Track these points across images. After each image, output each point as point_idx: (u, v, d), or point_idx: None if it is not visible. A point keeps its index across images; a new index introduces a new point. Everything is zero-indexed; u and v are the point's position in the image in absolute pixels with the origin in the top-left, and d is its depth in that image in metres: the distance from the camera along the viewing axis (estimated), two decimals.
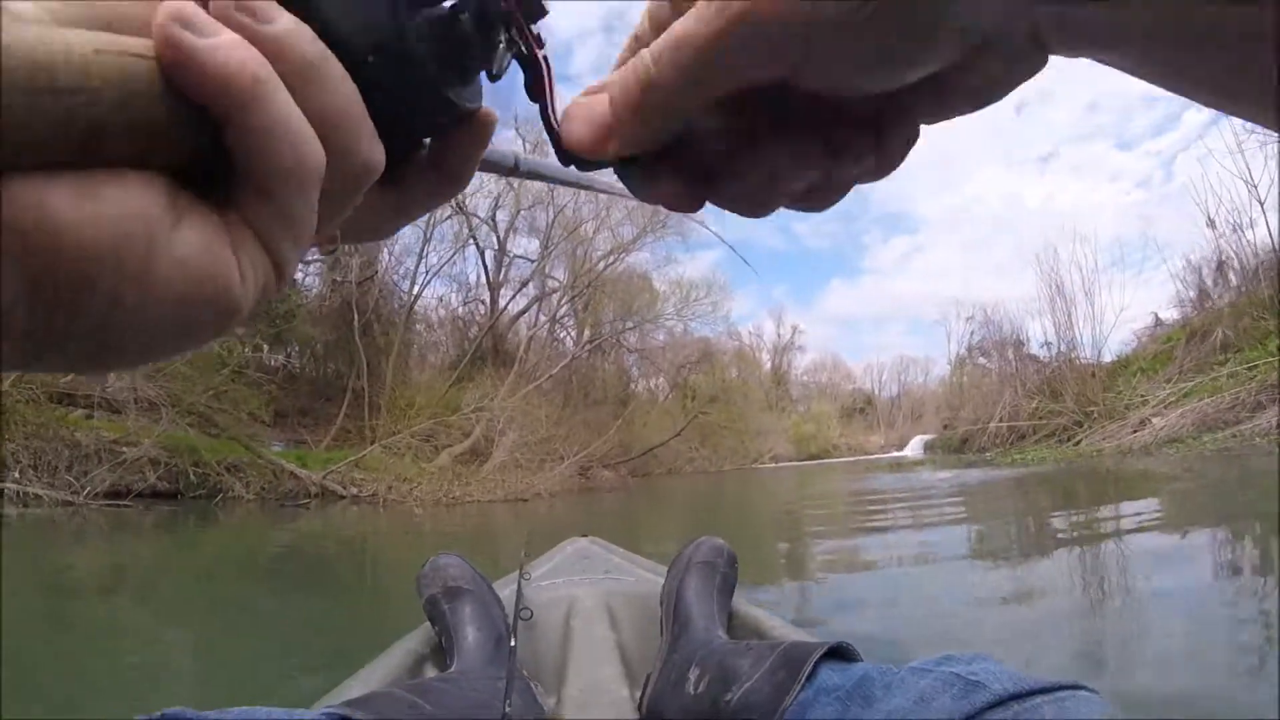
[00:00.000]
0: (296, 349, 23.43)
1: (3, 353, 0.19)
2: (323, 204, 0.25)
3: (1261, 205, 17.53)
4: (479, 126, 0.33)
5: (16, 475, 11.28)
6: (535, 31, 0.32)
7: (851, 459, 41.21)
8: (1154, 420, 15.04)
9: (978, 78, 0.28)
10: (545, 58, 0.32)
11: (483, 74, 0.32)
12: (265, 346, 21.46)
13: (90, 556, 6.94)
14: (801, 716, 0.78)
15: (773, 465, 36.75)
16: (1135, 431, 15.14)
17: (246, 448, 14.29)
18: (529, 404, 19.59)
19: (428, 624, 1.35)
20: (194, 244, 0.22)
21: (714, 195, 0.31)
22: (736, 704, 0.89)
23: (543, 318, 26.73)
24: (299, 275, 22.59)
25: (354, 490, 14.16)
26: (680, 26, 0.25)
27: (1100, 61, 0.27)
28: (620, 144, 0.29)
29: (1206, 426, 13.32)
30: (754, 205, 0.31)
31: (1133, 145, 72.86)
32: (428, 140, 0.34)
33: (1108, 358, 21.36)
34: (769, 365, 50.83)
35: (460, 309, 26.52)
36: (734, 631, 1.31)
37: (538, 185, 24.95)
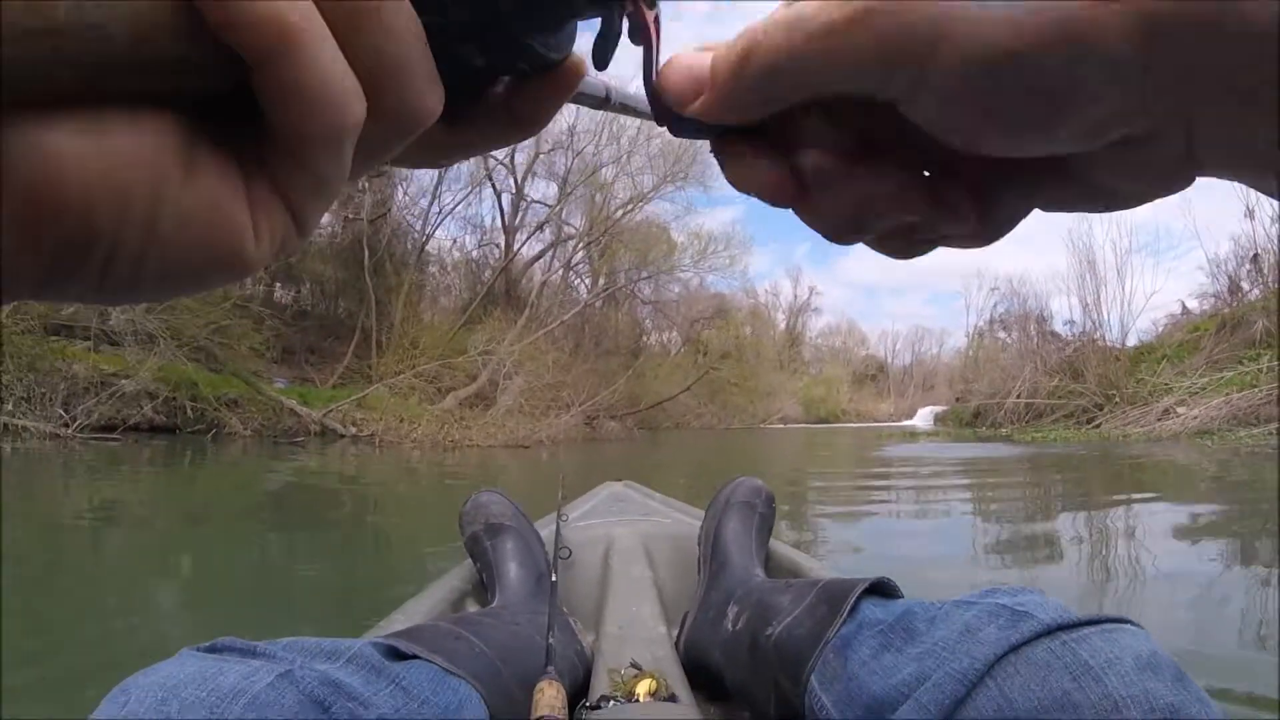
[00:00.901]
0: (307, 286, 23.01)
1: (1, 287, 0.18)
2: (360, 150, 0.22)
3: None
4: (564, 76, 0.29)
5: (9, 407, 10.88)
6: None
7: (860, 425, 40.81)
8: (1179, 409, 14.40)
9: (1114, 178, 0.25)
10: (657, 16, 0.29)
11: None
12: (275, 283, 21.03)
13: (84, 492, 6.70)
14: (843, 650, 0.75)
15: (781, 426, 36.25)
16: (1161, 419, 14.51)
17: (246, 383, 13.85)
18: (537, 350, 19.05)
19: (469, 560, 1.34)
20: (205, 198, 0.20)
21: (802, 203, 0.29)
22: (777, 639, 0.87)
23: (557, 264, 26.10)
24: None
25: (353, 430, 13.72)
26: (803, 6, 0.23)
27: (1256, 187, 0.24)
28: (712, 104, 0.26)
29: (1239, 420, 12.68)
30: (838, 227, 0.29)
31: None
32: (504, 78, 0.29)
33: (1131, 342, 20.65)
34: (783, 325, 50.09)
35: (475, 252, 25.97)
36: (771, 572, 1.27)
37: (557, 128, 24.27)
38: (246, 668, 0.59)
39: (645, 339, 30.44)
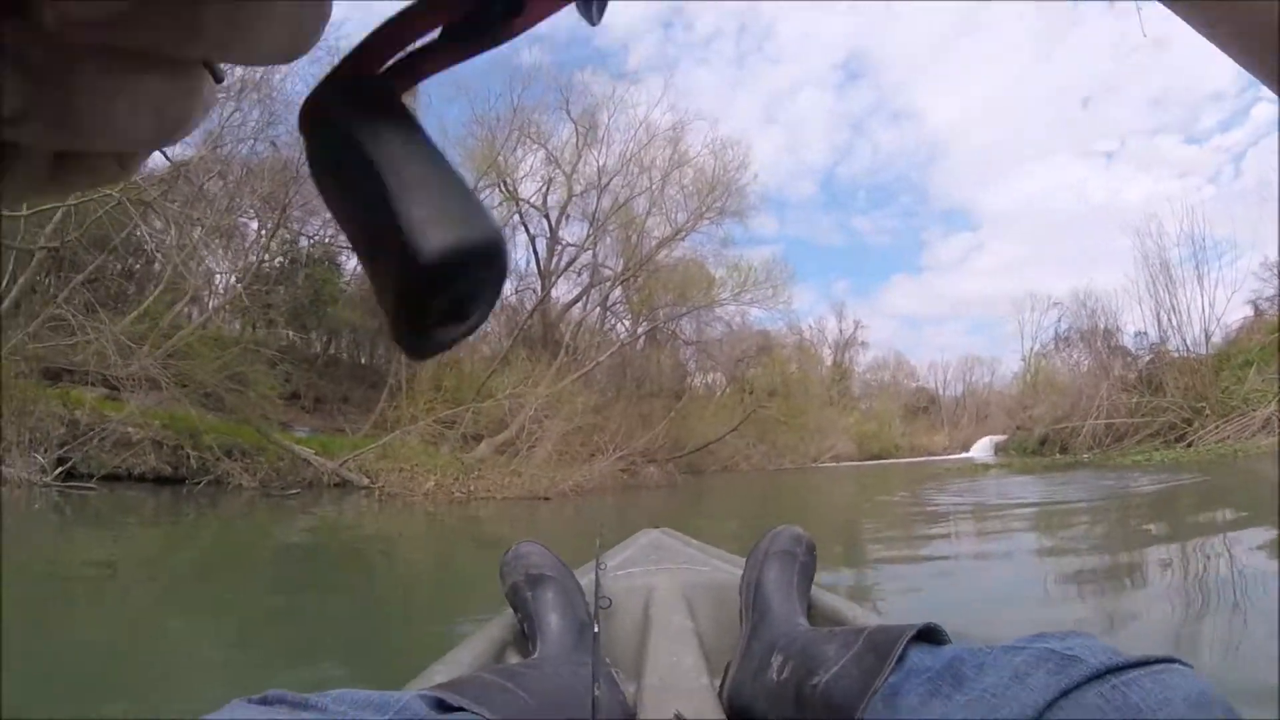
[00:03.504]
0: (342, 336, 22.18)
1: None
2: None
3: None
4: None
5: None
6: None
7: (915, 460, 38.88)
8: None
9: None
10: None
11: None
12: (289, 330, 20.11)
13: (83, 543, 6.72)
14: (892, 699, 0.72)
15: (833, 464, 34.45)
16: (1262, 430, 12.46)
17: (257, 431, 12.56)
18: (569, 393, 17.50)
19: (510, 610, 1.29)
20: None
21: None
22: (824, 688, 0.83)
23: (595, 305, 24.72)
24: (340, 259, 21.11)
25: (365, 480, 12.34)
26: None
27: None
28: None
29: None
30: None
31: (1201, 140, 67.53)
32: None
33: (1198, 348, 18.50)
34: (830, 361, 47.83)
35: (512, 297, 24.63)
36: (814, 620, 1.21)
37: (589, 171, 23.13)
38: None
39: (689, 380, 28.85)
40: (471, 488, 12.25)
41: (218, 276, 17.96)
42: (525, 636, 1.24)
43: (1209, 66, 50.28)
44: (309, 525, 8.87)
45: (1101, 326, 22.31)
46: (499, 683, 0.83)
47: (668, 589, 1.42)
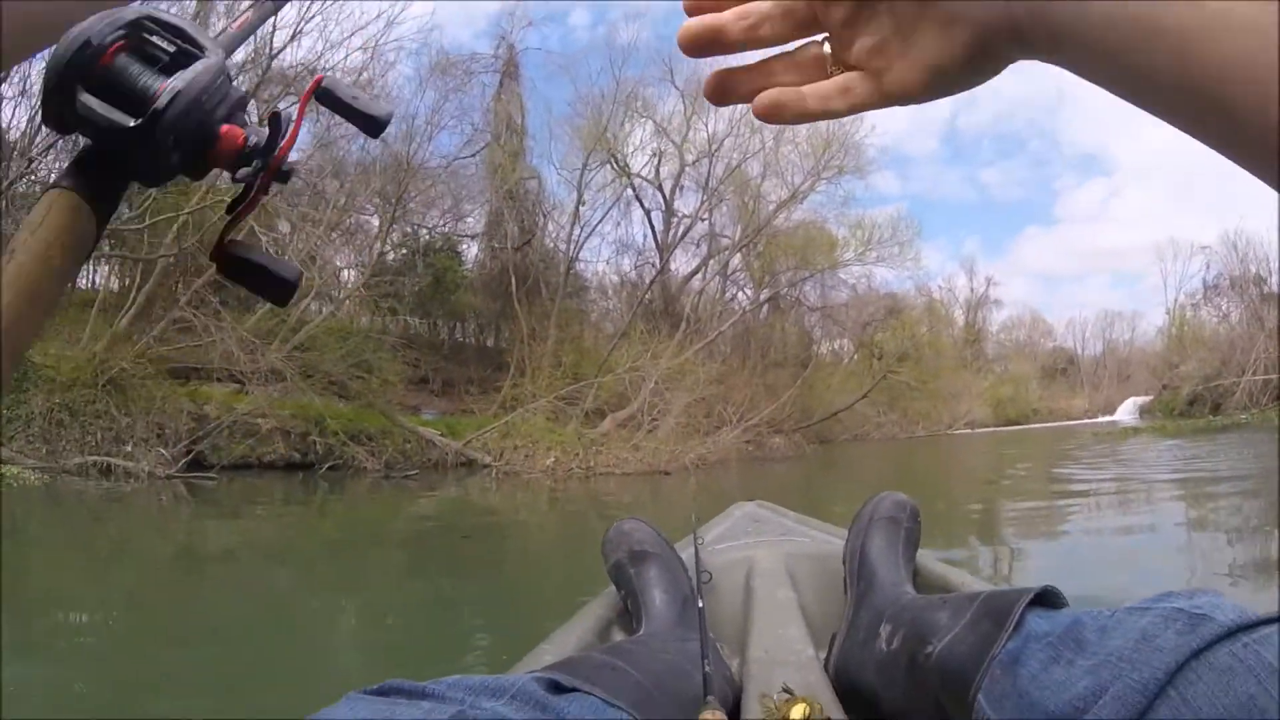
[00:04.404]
0: (468, 320, 22.38)
1: None
2: None
3: None
4: None
5: (129, 449, 10.24)
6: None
7: (1055, 424, 36.59)
8: None
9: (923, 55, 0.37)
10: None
11: None
12: (413, 317, 20.36)
13: (220, 530, 6.74)
14: (1011, 666, 0.69)
15: (968, 431, 32.79)
16: None
17: (383, 414, 12.58)
18: (690, 365, 16.90)
19: (612, 588, 1.28)
20: None
21: None
22: (938, 657, 0.80)
23: (715, 277, 23.97)
24: (460, 247, 21.24)
25: (487, 459, 12.13)
26: None
27: (1069, 68, 0.33)
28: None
29: None
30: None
31: None
32: None
33: None
34: (962, 322, 45.29)
35: (632, 273, 24.25)
36: (920, 588, 1.17)
37: (700, 139, 22.36)
38: (418, 710, 0.59)
39: (815, 347, 27.78)
40: (591, 463, 11.88)
41: (344, 272, 18.32)
42: (630, 613, 1.22)
43: None
44: (429, 505, 8.78)
45: (1254, 272, 20.05)
46: (610, 661, 0.82)
47: (768, 561, 1.38)
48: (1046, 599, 0.75)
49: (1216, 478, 7.60)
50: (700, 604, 1.06)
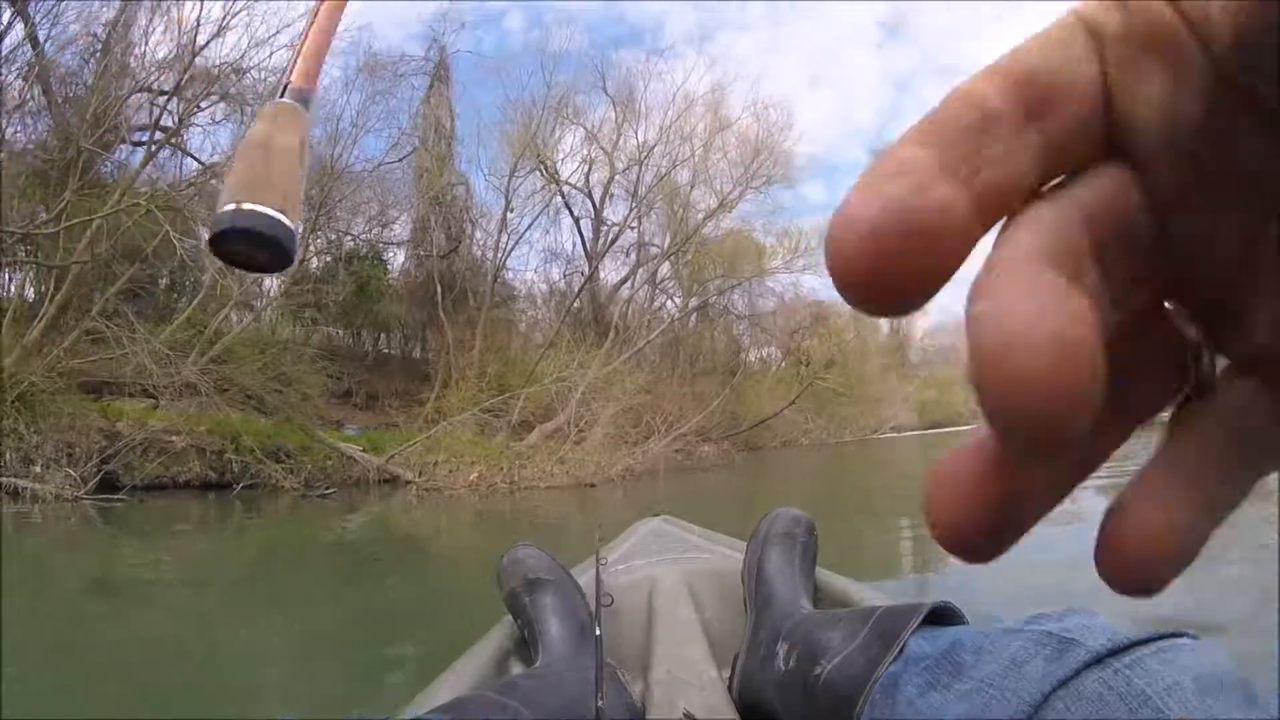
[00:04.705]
0: (393, 331, 21.87)
1: None
2: None
3: None
4: None
5: (38, 469, 9.59)
6: None
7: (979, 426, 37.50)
8: None
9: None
10: None
11: None
12: (336, 327, 19.83)
13: (116, 557, 6.49)
14: (891, 690, 0.69)
15: (894, 434, 33.41)
16: None
17: (302, 430, 12.13)
18: (617, 374, 16.76)
19: (509, 618, 1.26)
20: None
21: None
22: (826, 679, 0.80)
23: (644, 285, 23.90)
24: (388, 254, 20.79)
25: (408, 475, 11.81)
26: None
27: None
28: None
29: None
30: None
31: None
32: None
33: None
34: (886, 329, 46.24)
35: (561, 282, 24.03)
36: (820, 603, 1.20)
37: (630, 146, 22.29)
38: None
39: (743, 355, 27.95)
40: (515, 477, 11.62)
41: (267, 280, 17.71)
42: (527, 644, 1.20)
43: None
44: (347, 525, 8.55)
45: None
46: (499, 701, 0.82)
47: (670, 580, 1.37)
48: (940, 615, 0.73)
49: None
50: (598, 632, 1.02)
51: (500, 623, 1.27)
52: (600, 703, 0.83)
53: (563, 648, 1.10)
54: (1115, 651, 0.52)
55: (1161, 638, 0.53)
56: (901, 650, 0.70)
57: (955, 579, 3.86)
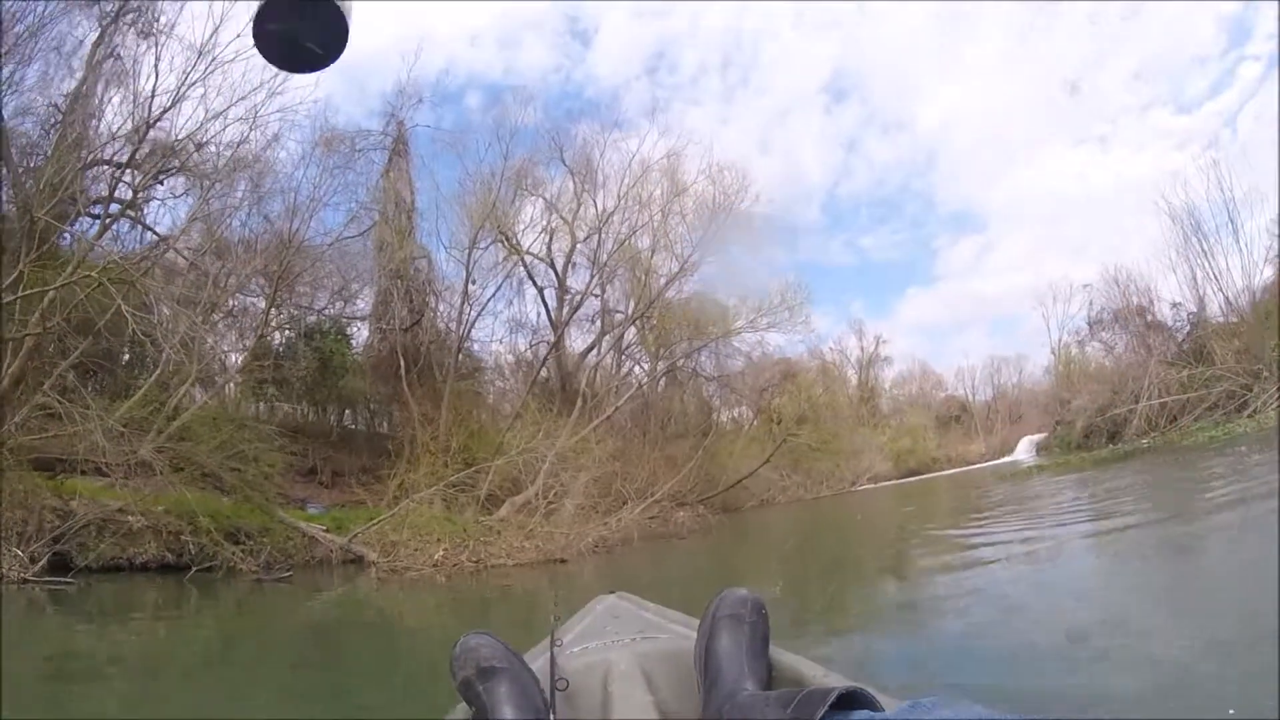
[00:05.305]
0: (357, 406, 21.44)
1: None
2: None
3: None
4: None
5: None
6: None
7: (956, 470, 37.49)
8: None
9: None
10: None
11: None
12: (296, 404, 19.39)
13: (65, 641, 6.24)
14: None
15: (871, 485, 33.19)
16: None
17: (262, 510, 11.66)
18: (586, 443, 16.41)
19: (464, 704, 1.25)
20: None
21: None
22: None
23: (611, 353, 23.69)
24: (350, 329, 20.54)
25: (373, 555, 11.34)
26: None
27: None
28: None
29: None
30: None
31: (1192, 109, 64.62)
32: None
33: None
34: (855, 381, 46.27)
35: (528, 353, 23.73)
36: (775, 682, 1.22)
37: (590, 215, 22.28)
38: None
39: (714, 416, 27.70)
40: (481, 555, 11.18)
41: (232, 356, 17.32)
42: None
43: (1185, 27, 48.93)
44: (307, 607, 8.40)
45: (1135, 303, 21.04)
46: None
47: (626, 663, 1.34)
48: (853, 699, 0.75)
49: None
50: (552, 718, 1.01)
51: (454, 709, 1.27)
52: None
53: None
54: None
55: None
56: None
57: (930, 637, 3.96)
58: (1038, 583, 4.92)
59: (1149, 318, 20.28)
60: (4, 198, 12.56)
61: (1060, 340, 31.69)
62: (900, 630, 4.54)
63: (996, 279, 76.03)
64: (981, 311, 79.75)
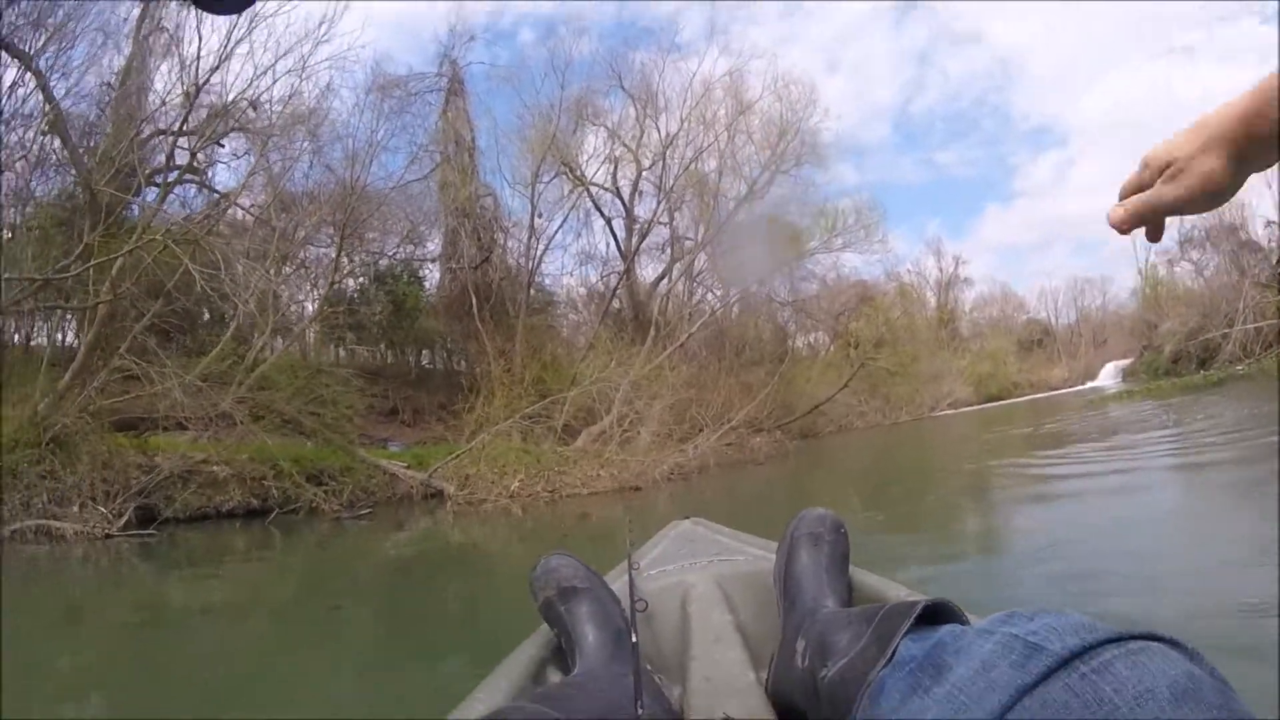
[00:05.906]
0: (435, 346, 21.66)
1: None
2: None
3: None
4: None
5: (75, 508, 9.41)
6: None
7: (1038, 396, 36.23)
8: None
9: None
10: None
11: None
12: (376, 347, 19.60)
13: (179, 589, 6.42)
14: (878, 695, 0.68)
15: (951, 411, 32.28)
16: None
17: (343, 450, 11.80)
18: (661, 371, 16.13)
19: (545, 627, 1.23)
20: None
21: None
22: (829, 682, 0.81)
23: (682, 280, 23.22)
24: (422, 271, 20.61)
25: (452, 489, 11.37)
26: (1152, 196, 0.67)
27: None
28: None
29: None
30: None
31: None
32: None
33: None
34: (934, 303, 44.76)
35: (599, 283, 23.50)
36: (856, 601, 1.18)
37: (654, 141, 21.67)
38: None
39: (790, 342, 27.12)
40: (557, 485, 11.10)
41: (308, 305, 17.54)
42: (563, 652, 1.18)
43: None
44: (387, 545, 8.33)
45: (1227, 221, 19.62)
46: (539, 712, 0.80)
47: (704, 584, 1.34)
48: (937, 614, 0.72)
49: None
50: (634, 639, 0.96)
51: (536, 632, 1.25)
52: (640, 709, 0.81)
53: (599, 655, 1.09)
54: (1083, 653, 0.49)
55: (1133, 638, 0.50)
56: (893, 654, 0.68)
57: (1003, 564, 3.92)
58: (1122, 518, 4.70)
59: (1242, 236, 18.87)
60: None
61: (1147, 261, 30.01)
62: (984, 557, 4.41)
63: (1081, 197, 72.47)
64: (1063, 231, 76.37)
